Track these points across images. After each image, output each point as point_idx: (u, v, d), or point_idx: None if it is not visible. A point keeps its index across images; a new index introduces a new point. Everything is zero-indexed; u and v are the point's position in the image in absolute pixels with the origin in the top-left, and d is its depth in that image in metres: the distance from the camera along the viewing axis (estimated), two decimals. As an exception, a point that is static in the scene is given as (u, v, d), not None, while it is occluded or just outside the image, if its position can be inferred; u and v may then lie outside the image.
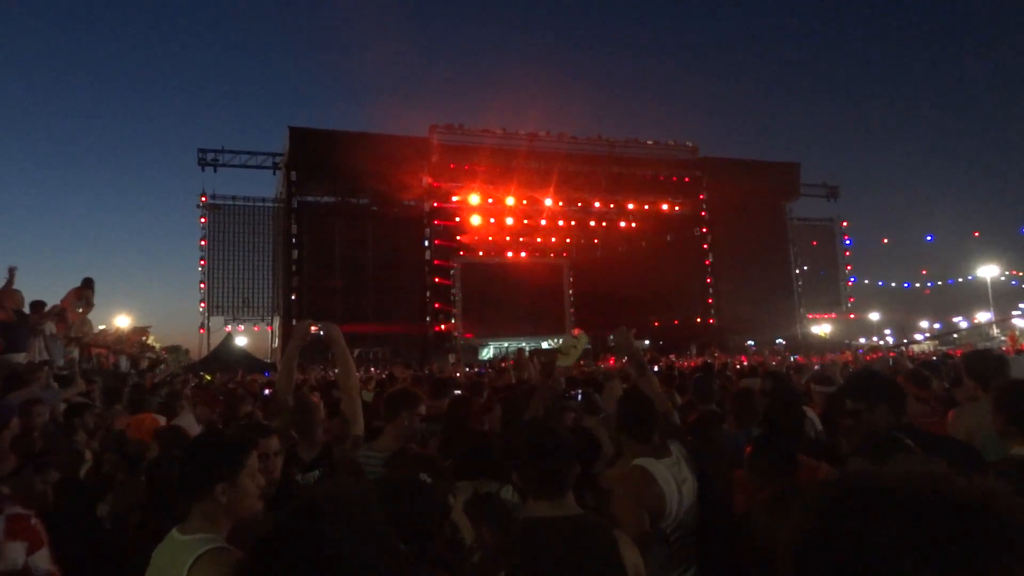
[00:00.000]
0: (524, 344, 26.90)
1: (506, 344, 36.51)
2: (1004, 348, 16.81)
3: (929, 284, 45.64)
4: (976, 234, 44.88)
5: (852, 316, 44.61)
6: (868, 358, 14.92)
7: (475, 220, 36.03)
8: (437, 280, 35.44)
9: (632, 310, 33.97)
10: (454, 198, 35.65)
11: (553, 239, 38.99)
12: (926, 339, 34.88)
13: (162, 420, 5.25)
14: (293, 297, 31.96)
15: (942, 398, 4.84)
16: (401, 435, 3.52)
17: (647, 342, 33.92)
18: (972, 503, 0.73)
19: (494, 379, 9.56)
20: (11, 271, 9.06)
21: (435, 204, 35.32)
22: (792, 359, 16.13)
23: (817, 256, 43.47)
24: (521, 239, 38.39)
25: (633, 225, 39.71)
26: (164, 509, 2.44)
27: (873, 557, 0.72)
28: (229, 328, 34.77)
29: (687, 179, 38.57)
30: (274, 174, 35.75)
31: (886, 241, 51.80)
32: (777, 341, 32.39)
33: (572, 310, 41.32)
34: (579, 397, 4.63)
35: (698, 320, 37.99)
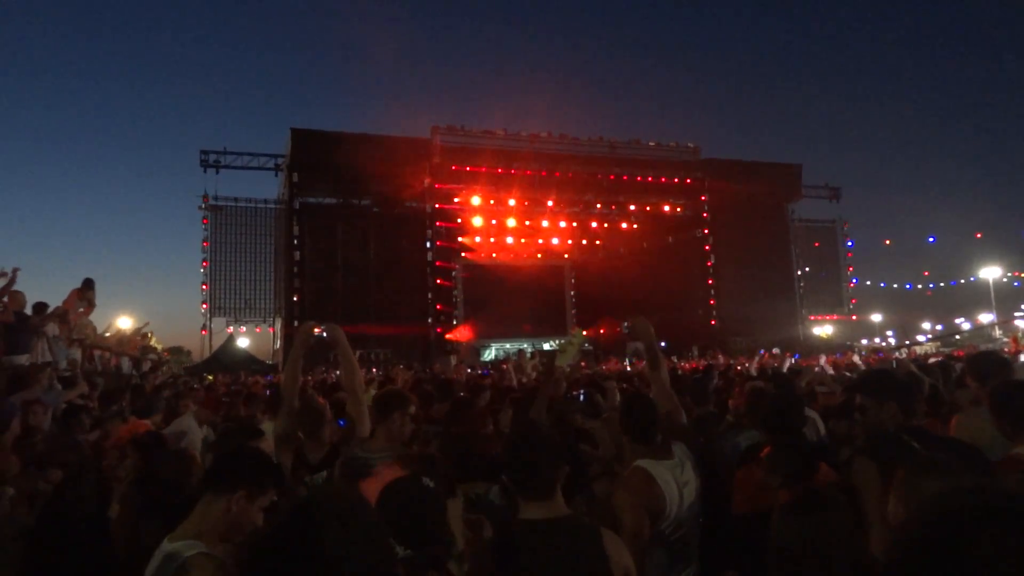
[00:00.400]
0: (526, 345, 26.97)
1: (508, 345, 36.55)
2: (1006, 350, 16.78)
3: (931, 285, 45.66)
4: (978, 235, 44.80)
5: (854, 317, 44.58)
6: (871, 360, 14.90)
7: (477, 221, 36.02)
8: (439, 281, 35.43)
9: (633, 311, 33.90)
10: (456, 199, 35.63)
11: (555, 240, 38.96)
12: (928, 340, 34.86)
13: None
14: (295, 298, 31.95)
15: (943, 400, 4.84)
16: (393, 436, 3.52)
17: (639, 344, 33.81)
18: None
19: (497, 380, 9.58)
20: (13, 272, 9.08)
21: (437, 205, 35.29)
22: (792, 360, 16.09)
23: (819, 257, 43.42)
24: (523, 240, 38.38)
25: (635, 226, 39.67)
26: (158, 518, 2.45)
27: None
28: (231, 329, 34.86)
29: (689, 180, 38.50)
30: (276, 175, 35.79)
31: (888, 242, 51.87)
32: (775, 350, 32.33)
33: (574, 311, 41.32)
34: (582, 398, 4.63)
35: (699, 322, 37.96)
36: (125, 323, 19.01)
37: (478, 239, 36.97)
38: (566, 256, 41.03)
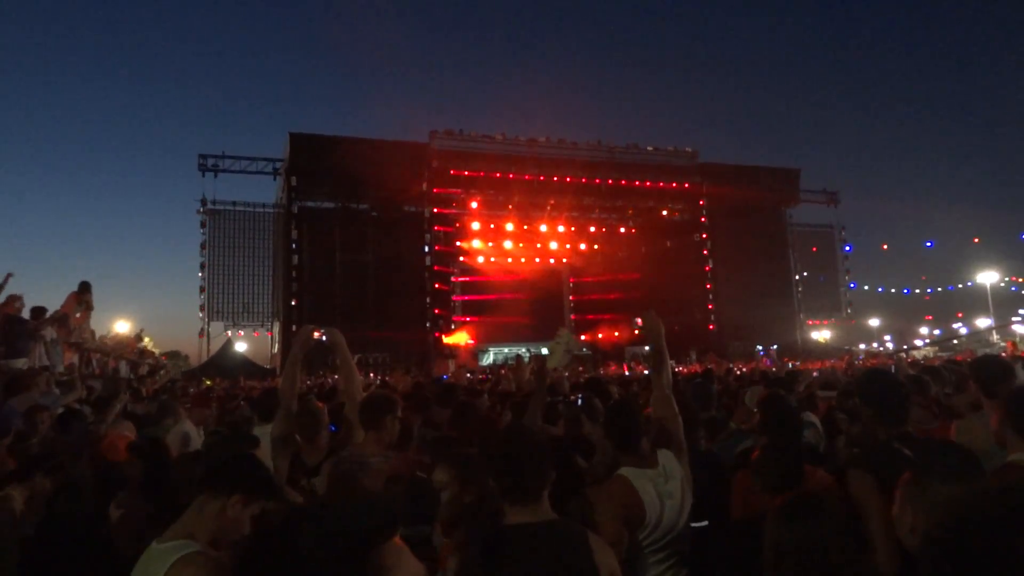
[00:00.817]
0: (523, 350, 26.95)
1: (506, 350, 36.54)
2: (1003, 354, 16.81)
3: (929, 290, 45.73)
4: (976, 240, 44.86)
5: (852, 322, 44.65)
6: (869, 363, 14.93)
7: (475, 226, 36.07)
8: (437, 286, 35.44)
9: (631, 316, 34.00)
10: (455, 204, 35.67)
11: (553, 244, 39.00)
12: (926, 345, 34.90)
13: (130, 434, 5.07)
14: (293, 303, 31.94)
15: (942, 404, 4.84)
16: (383, 440, 3.50)
17: (647, 347, 33.83)
18: None
19: (493, 385, 9.59)
20: (6, 277, 9.08)
21: (435, 210, 35.34)
22: (789, 365, 16.12)
23: (817, 262, 43.48)
24: (521, 244, 38.41)
25: (633, 231, 39.73)
26: (165, 523, 2.44)
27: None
28: (229, 334, 34.81)
29: (687, 185, 38.60)
30: (274, 179, 35.81)
31: (886, 247, 51.98)
32: (772, 347, 32.44)
33: (572, 316, 41.32)
34: (579, 402, 4.61)
35: (698, 326, 37.98)
36: (123, 327, 19.01)
37: (476, 243, 36.99)
38: (564, 260, 41.03)
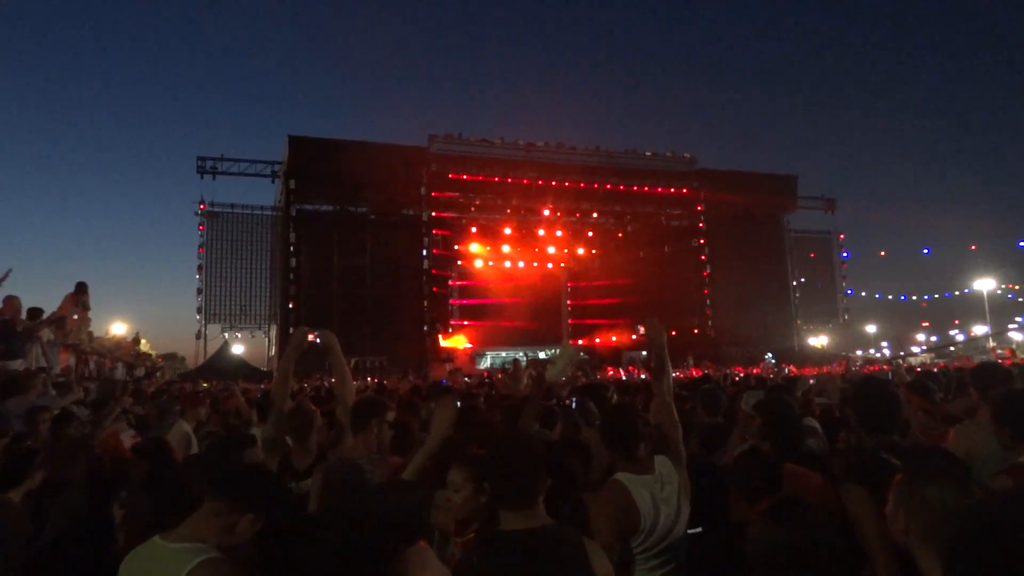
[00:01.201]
0: (521, 354, 26.93)
1: (503, 354, 36.53)
2: (1004, 361, 16.84)
3: (926, 297, 45.77)
4: (973, 247, 44.94)
5: (849, 328, 44.68)
6: (865, 370, 14.93)
7: (473, 230, 36.10)
8: (435, 289, 35.45)
9: (629, 320, 34.06)
10: (452, 208, 35.70)
11: (551, 249, 39.03)
12: (923, 351, 34.92)
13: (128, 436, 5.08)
14: (291, 305, 31.92)
15: (945, 410, 4.85)
16: (371, 444, 3.50)
17: (644, 352, 33.90)
18: None
19: (489, 389, 9.59)
20: (6, 272, 9.06)
21: (433, 213, 35.37)
22: (785, 372, 16.14)
23: (814, 268, 43.53)
24: (519, 249, 38.45)
25: (631, 236, 39.76)
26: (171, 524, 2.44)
27: None
28: (226, 336, 34.74)
29: (685, 190, 38.67)
30: (273, 182, 35.82)
31: (883, 253, 51.93)
32: (767, 357, 32.46)
33: (569, 320, 41.33)
34: (574, 405, 4.60)
35: (695, 331, 38.00)
36: (120, 328, 18.98)
37: (474, 247, 37.01)
38: (562, 265, 41.07)
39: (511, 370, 7.93)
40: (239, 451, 3.20)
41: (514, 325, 38.10)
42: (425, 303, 34.83)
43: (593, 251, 40.46)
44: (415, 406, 6.22)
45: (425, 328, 34.54)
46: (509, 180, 35.31)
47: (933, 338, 44.73)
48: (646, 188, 37.91)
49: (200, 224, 34.69)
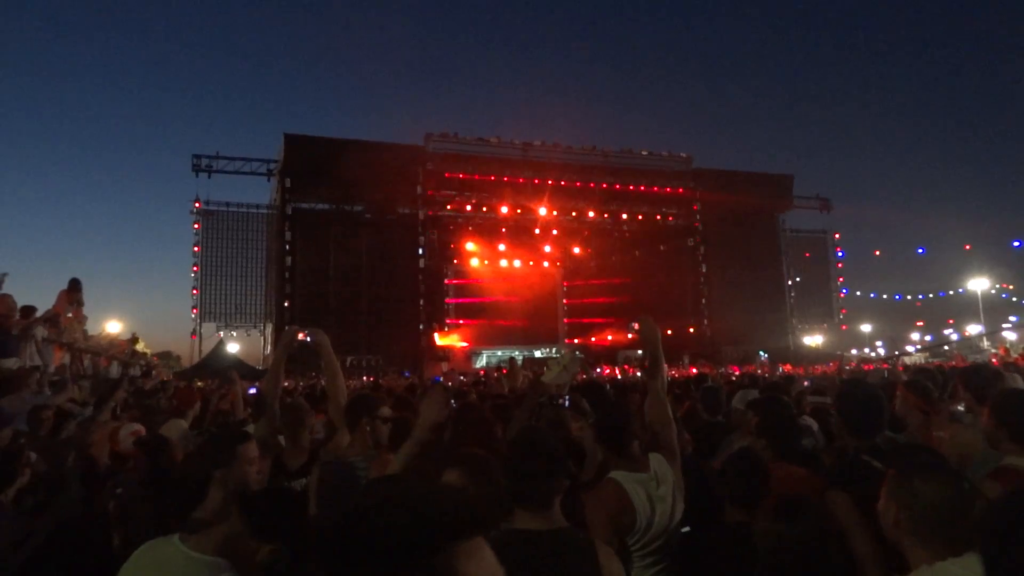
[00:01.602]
0: (517, 353, 26.98)
1: (499, 353, 36.55)
2: (994, 359, 16.91)
3: (920, 296, 45.87)
4: (967, 247, 45.04)
5: (844, 327, 44.77)
6: (865, 367, 14.96)
7: (469, 229, 36.08)
8: (431, 288, 35.43)
9: (624, 320, 34.07)
10: (449, 207, 35.68)
11: (547, 248, 39.05)
12: (917, 351, 35.01)
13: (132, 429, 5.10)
14: (286, 304, 31.84)
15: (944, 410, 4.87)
16: (366, 441, 3.49)
17: (639, 352, 33.94)
18: None
19: (485, 387, 9.59)
20: (2, 277, 9.04)
21: (429, 212, 35.35)
22: (779, 370, 16.17)
23: (809, 268, 43.62)
24: (515, 248, 38.46)
25: (626, 235, 39.81)
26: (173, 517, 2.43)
27: None
28: (221, 334, 34.66)
29: (681, 190, 38.70)
30: (268, 180, 35.71)
31: (878, 253, 52.03)
32: (762, 356, 32.52)
33: (565, 319, 41.38)
34: (566, 403, 4.59)
35: (691, 330, 38.06)
36: (115, 327, 18.91)
37: (470, 246, 37.00)
38: (558, 264, 41.09)
39: (508, 368, 7.96)
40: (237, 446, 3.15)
41: (510, 324, 38.14)
42: (421, 302, 34.79)
43: (589, 250, 40.50)
44: (412, 403, 6.24)
45: (421, 327, 34.50)
46: (505, 179, 35.26)
47: (928, 337, 44.84)
48: (642, 187, 37.91)
49: (195, 222, 34.64)
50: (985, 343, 29.47)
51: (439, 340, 35.26)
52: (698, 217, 39.34)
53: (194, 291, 34.51)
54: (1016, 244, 37.43)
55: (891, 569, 2.00)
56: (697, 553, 2.82)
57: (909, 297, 45.85)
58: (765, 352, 33.41)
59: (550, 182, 35.73)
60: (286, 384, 5.77)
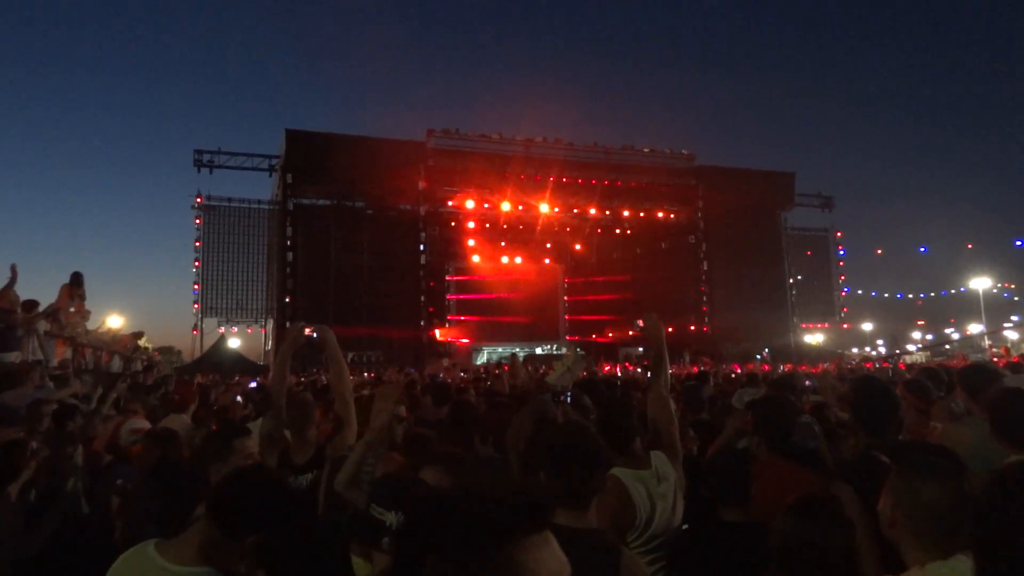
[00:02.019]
0: (518, 350, 26.99)
1: (500, 349, 36.58)
2: (996, 359, 16.91)
3: (922, 295, 45.93)
4: (969, 246, 45.09)
5: (845, 326, 44.76)
6: (867, 364, 14.96)
7: (470, 225, 36.06)
8: (431, 285, 35.44)
9: (626, 316, 34.07)
10: (450, 203, 35.67)
11: (548, 245, 39.03)
12: (918, 350, 35.02)
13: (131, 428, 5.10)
14: (287, 299, 31.88)
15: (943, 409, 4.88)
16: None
17: (640, 349, 33.99)
18: None
19: (485, 384, 9.61)
20: (13, 269, 9.07)
21: (431, 208, 35.34)
22: (780, 368, 16.17)
23: (811, 266, 43.59)
24: (516, 244, 38.44)
25: (628, 232, 39.78)
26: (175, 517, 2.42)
27: None
28: (222, 330, 34.75)
29: (683, 187, 38.68)
30: (270, 176, 35.75)
31: (880, 252, 52.06)
32: (763, 352, 32.53)
33: (566, 316, 41.38)
34: (568, 399, 4.61)
35: (692, 328, 38.05)
36: (116, 322, 18.93)
37: (471, 242, 37.00)
38: (559, 261, 41.07)
39: (510, 365, 7.95)
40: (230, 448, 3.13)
41: (511, 320, 38.15)
42: (422, 298, 34.82)
43: (590, 247, 40.48)
44: (415, 400, 6.26)
45: (422, 323, 34.54)
46: (507, 175, 35.24)
47: (929, 336, 44.87)
48: (644, 184, 37.89)
49: (197, 217, 34.66)
50: (986, 342, 29.47)
51: (440, 336, 35.28)
52: (700, 214, 39.30)
53: (195, 286, 34.54)
54: (1018, 243, 37.49)
55: (887, 568, 2.00)
56: (690, 552, 2.82)
57: (911, 296, 45.97)
58: (767, 350, 33.42)
59: (551, 179, 35.71)
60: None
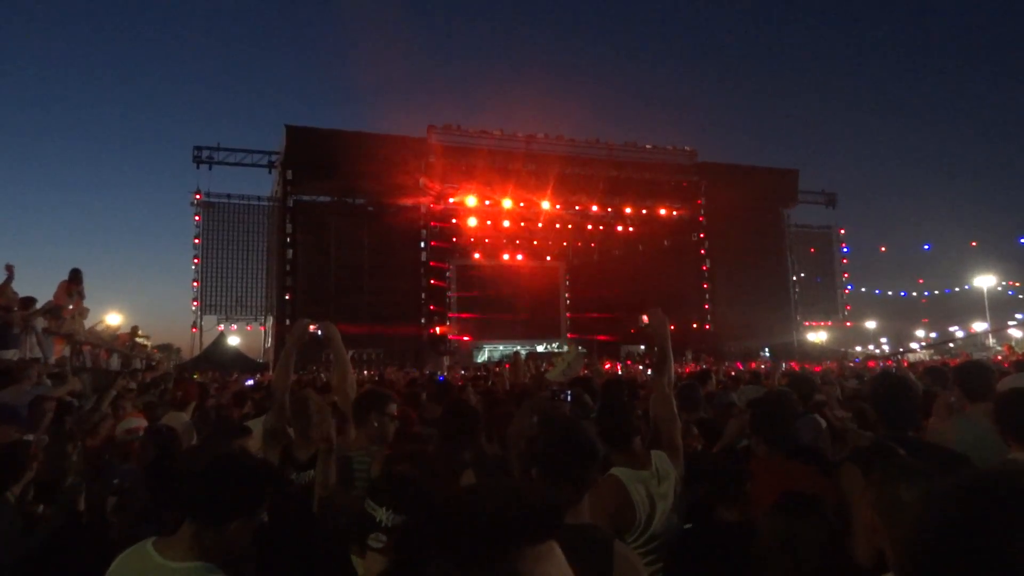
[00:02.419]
0: (520, 347, 27.00)
1: (501, 347, 36.56)
2: (998, 357, 16.89)
3: (926, 293, 45.91)
4: (973, 244, 45.03)
5: (849, 324, 44.75)
6: (870, 364, 14.95)
7: (472, 222, 36.04)
8: (432, 282, 35.44)
9: (628, 314, 34.05)
10: (451, 199, 35.65)
11: (550, 242, 39.02)
12: (922, 348, 35.02)
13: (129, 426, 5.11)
14: (287, 297, 31.89)
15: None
16: (372, 437, 3.51)
17: (642, 347, 33.98)
18: None
19: (485, 382, 9.62)
20: (9, 269, 9.08)
21: (432, 205, 35.32)
22: (783, 367, 16.12)
23: (814, 263, 43.56)
24: (518, 242, 38.42)
25: (630, 229, 39.74)
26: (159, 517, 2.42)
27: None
28: (222, 327, 34.79)
29: (685, 184, 38.65)
30: (270, 172, 35.74)
31: (884, 249, 52.02)
32: (762, 352, 32.55)
33: (568, 314, 41.35)
34: (568, 397, 4.60)
35: (694, 326, 37.99)
36: (114, 319, 18.97)
37: (473, 239, 37.00)
38: (561, 258, 41.04)
39: (512, 363, 7.96)
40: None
41: (512, 318, 38.11)
42: (422, 295, 34.83)
43: (592, 244, 40.45)
44: (416, 397, 6.27)
45: (422, 320, 34.55)
46: (508, 172, 35.21)
47: (932, 334, 44.83)
48: (646, 181, 37.86)
49: (196, 214, 34.66)
50: (991, 340, 29.46)
51: (441, 333, 35.29)
52: (702, 211, 39.27)
53: (195, 283, 34.55)
54: (1023, 241, 37.39)
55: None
56: (688, 552, 2.81)
57: (915, 294, 45.92)
58: (768, 350, 33.40)
59: (553, 175, 35.66)
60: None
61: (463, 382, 9.10)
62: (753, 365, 21.72)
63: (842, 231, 44.48)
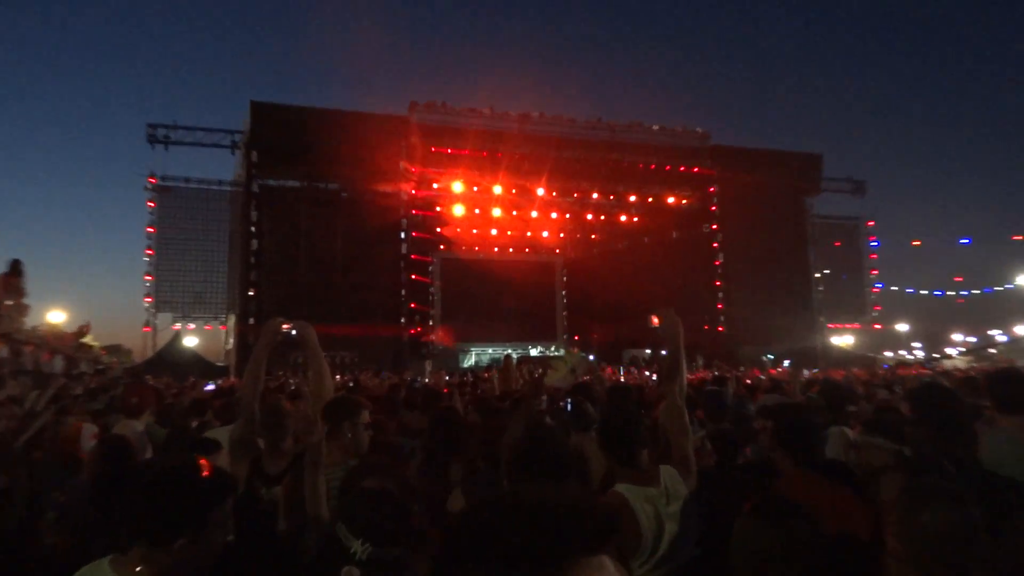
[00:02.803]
0: (510, 351, 27.04)
1: (490, 350, 36.63)
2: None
3: (963, 292, 46.07)
4: (1016, 237, 45.25)
5: (877, 326, 44.91)
6: (899, 372, 15.04)
7: (458, 210, 36.04)
8: (414, 277, 35.41)
9: (632, 315, 34.13)
10: (435, 185, 35.62)
11: (545, 233, 39.09)
12: (959, 354, 35.19)
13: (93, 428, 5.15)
14: (251, 293, 31.80)
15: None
16: (346, 448, 3.52)
17: (648, 351, 34.10)
18: None
19: (473, 389, 9.65)
20: None
21: (414, 191, 35.27)
22: (806, 374, 16.24)
23: (840, 259, 43.65)
24: (509, 233, 38.47)
25: (635, 219, 39.83)
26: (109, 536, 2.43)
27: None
28: (178, 327, 34.66)
29: (696, 169, 38.67)
30: (232, 154, 35.55)
31: (917, 243, 52.17)
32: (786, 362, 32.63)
33: (565, 313, 41.46)
34: (568, 407, 4.63)
35: (706, 328, 38.06)
36: (57, 316, 18.90)
37: (459, 230, 37.03)
38: (557, 251, 41.16)
39: (503, 368, 7.98)
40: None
41: (502, 318, 38.17)
42: (403, 292, 34.80)
43: (592, 235, 40.53)
44: (394, 405, 6.29)
45: (402, 320, 34.55)
46: (499, 155, 35.12)
47: (971, 339, 45.06)
48: (653, 165, 37.86)
49: (150, 200, 34.45)
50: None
51: (422, 335, 35.30)
52: (715, 200, 39.30)
53: (147, 277, 34.39)
54: (1070, 234, 37.57)
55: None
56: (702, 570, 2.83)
57: (951, 293, 46.07)
58: (770, 355, 33.48)
59: (549, 159, 35.64)
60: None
61: (448, 389, 9.13)
62: (773, 372, 21.82)
63: (871, 223, 44.63)
